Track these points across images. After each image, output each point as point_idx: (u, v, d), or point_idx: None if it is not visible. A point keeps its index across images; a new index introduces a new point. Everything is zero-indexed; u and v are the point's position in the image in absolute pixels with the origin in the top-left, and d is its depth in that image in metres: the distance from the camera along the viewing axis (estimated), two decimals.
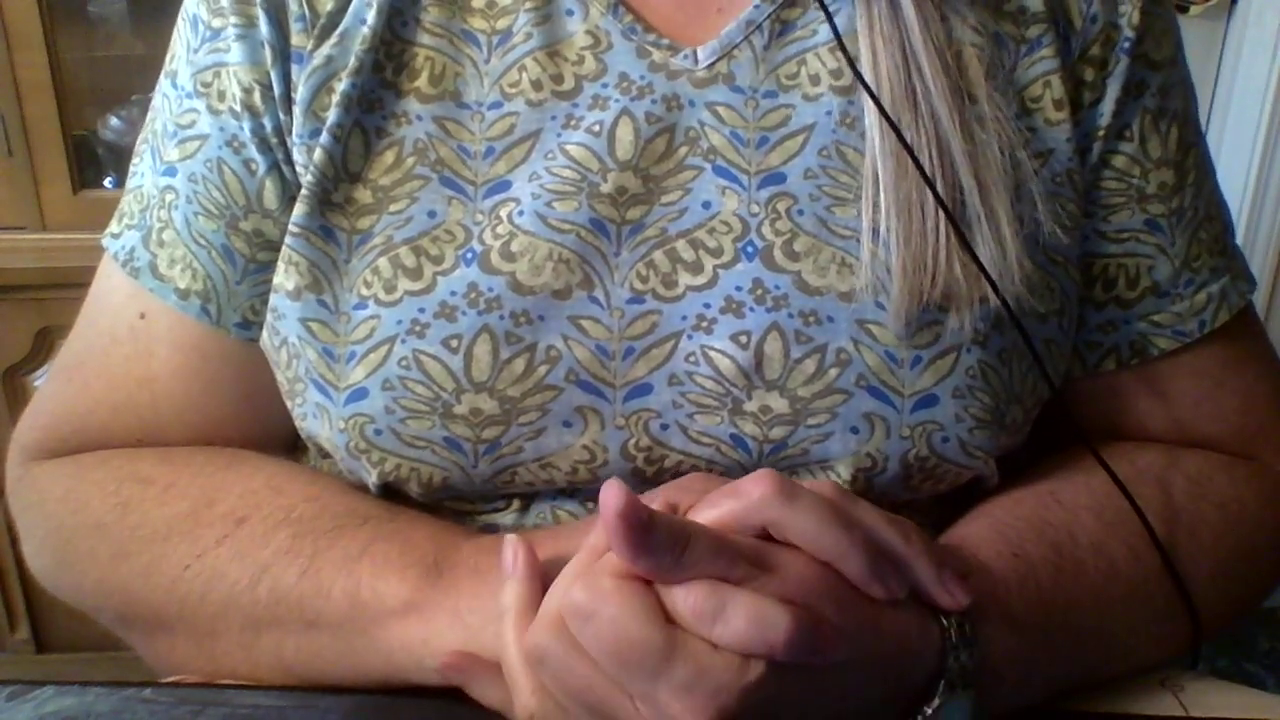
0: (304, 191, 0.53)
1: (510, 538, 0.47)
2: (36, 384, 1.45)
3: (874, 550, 0.43)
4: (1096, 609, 0.52)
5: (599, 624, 0.40)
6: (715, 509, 0.43)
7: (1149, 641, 0.55)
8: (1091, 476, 0.56)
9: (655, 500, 0.45)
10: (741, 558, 0.41)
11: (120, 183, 1.44)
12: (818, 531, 0.42)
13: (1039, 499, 0.56)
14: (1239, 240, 0.63)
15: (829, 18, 0.52)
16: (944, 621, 0.45)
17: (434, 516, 0.54)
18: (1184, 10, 1.52)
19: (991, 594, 0.49)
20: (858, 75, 0.52)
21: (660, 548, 0.39)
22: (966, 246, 0.51)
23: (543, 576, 0.45)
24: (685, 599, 0.40)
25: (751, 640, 0.39)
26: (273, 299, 0.55)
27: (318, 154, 0.53)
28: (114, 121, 1.48)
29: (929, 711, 0.45)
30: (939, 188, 0.51)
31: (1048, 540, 0.53)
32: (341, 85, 0.53)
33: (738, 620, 0.39)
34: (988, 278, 0.51)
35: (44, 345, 1.44)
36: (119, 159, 1.47)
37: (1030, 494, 0.56)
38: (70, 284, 1.32)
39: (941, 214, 0.51)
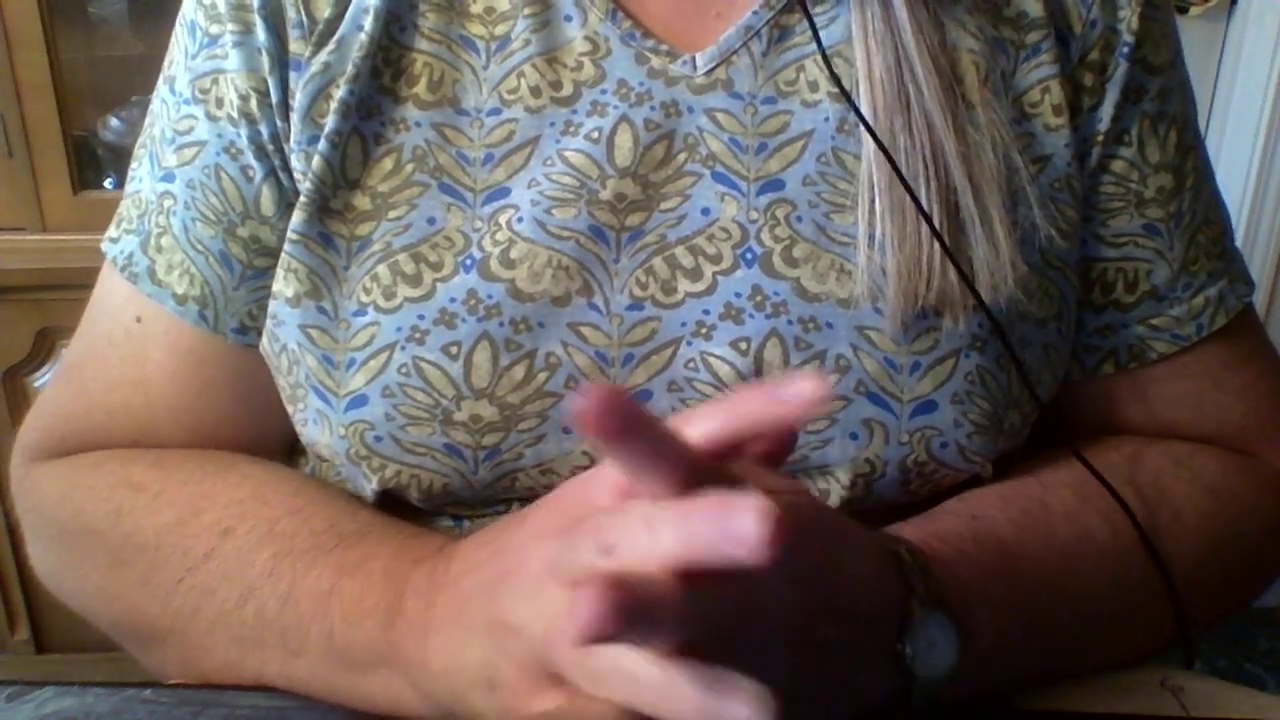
0: (302, 198, 0.53)
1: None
2: (37, 385, 1.45)
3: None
4: (1068, 569, 0.53)
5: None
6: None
7: (1130, 615, 0.55)
8: (1076, 461, 0.56)
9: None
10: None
11: (120, 184, 1.44)
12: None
13: (1016, 478, 0.56)
14: (1239, 241, 0.63)
15: (814, 30, 0.52)
16: (894, 550, 0.46)
17: (397, 529, 0.53)
18: (1184, 11, 1.52)
19: (941, 538, 0.50)
20: (840, 88, 0.52)
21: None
22: (952, 257, 0.51)
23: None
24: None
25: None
26: (272, 305, 0.55)
27: (316, 161, 0.53)
28: (114, 122, 1.48)
29: (912, 626, 0.45)
30: (933, 189, 0.51)
31: (1016, 506, 0.54)
32: (339, 92, 0.53)
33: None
34: (972, 289, 0.51)
35: (44, 346, 1.44)
36: (119, 160, 1.47)
37: (1011, 478, 0.57)
38: (70, 285, 1.33)
39: (935, 218, 0.51)
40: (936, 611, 0.46)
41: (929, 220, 0.51)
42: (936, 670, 0.45)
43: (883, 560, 0.46)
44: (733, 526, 0.31)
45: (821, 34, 0.53)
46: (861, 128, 0.52)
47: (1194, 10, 1.53)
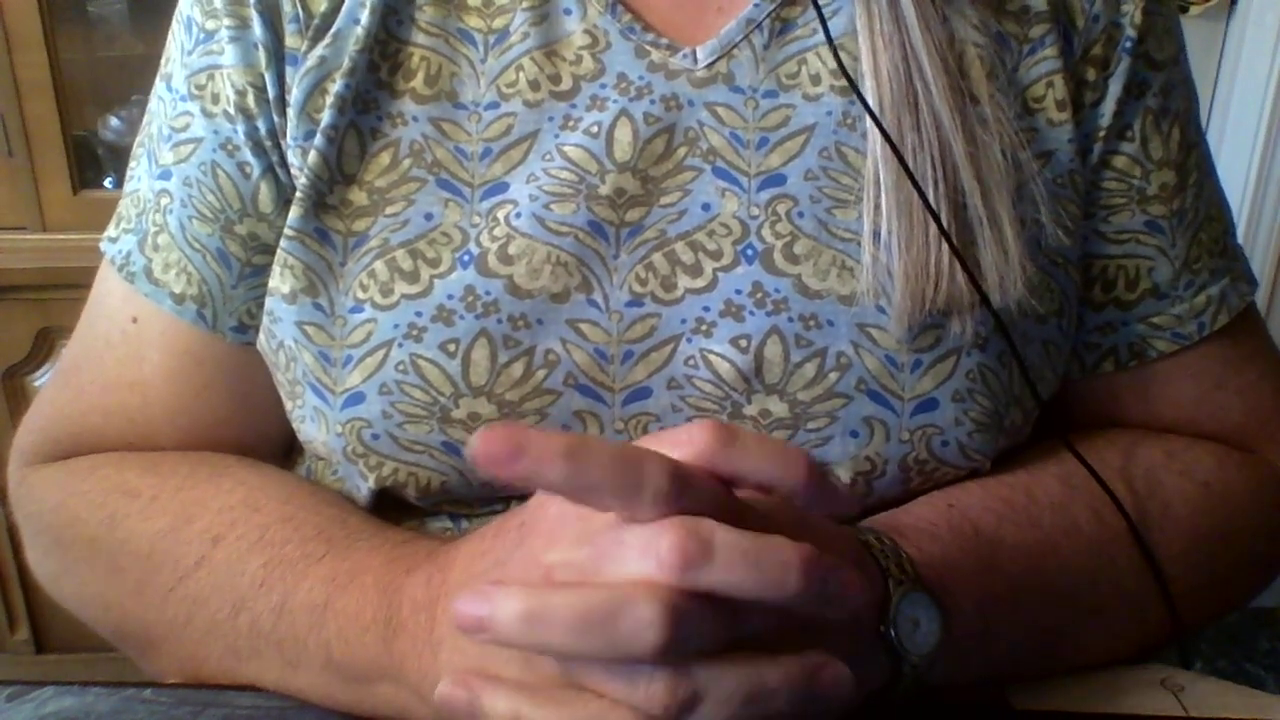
0: (298, 194, 0.53)
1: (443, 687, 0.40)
2: (37, 384, 1.45)
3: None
4: (1051, 558, 0.53)
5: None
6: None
7: (1119, 607, 0.55)
8: (1068, 452, 0.56)
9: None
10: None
11: (120, 183, 1.44)
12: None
13: (1003, 469, 0.56)
14: (1239, 240, 0.63)
15: (822, 20, 0.52)
16: (863, 539, 0.46)
17: (384, 536, 0.51)
18: (1184, 10, 1.52)
19: (913, 524, 0.50)
20: (850, 82, 0.51)
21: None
22: (962, 261, 0.50)
23: None
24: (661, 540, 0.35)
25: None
26: (268, 302, 0.55)
27: (312, 156, 0.52)
28: (114, 122, 1.49)
29: (893, 607, 0.45)
30: (940, 190, 0.51)
31: (997, 495, 0.53)
32: (335, 86, 0.52)
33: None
34: (983, 297, 0.50)
35: (44, 346, 1.44)
36: (119, 159, 1.47)
37: (999, 470, 0.56)
38: (70, 284, 1.33)
39: (943, 220, 0.50)
40: (914, 590, 0.46)
41: (937, 220, 0.50)
42: (924, 648, 0.45)
43: (854, 550, 0.46)
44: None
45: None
46: (866, 122, 0.52)
47: (1194, 10, 1.53)
